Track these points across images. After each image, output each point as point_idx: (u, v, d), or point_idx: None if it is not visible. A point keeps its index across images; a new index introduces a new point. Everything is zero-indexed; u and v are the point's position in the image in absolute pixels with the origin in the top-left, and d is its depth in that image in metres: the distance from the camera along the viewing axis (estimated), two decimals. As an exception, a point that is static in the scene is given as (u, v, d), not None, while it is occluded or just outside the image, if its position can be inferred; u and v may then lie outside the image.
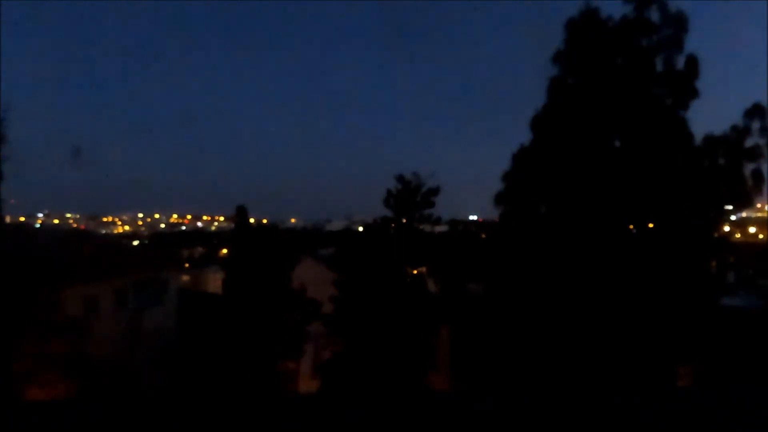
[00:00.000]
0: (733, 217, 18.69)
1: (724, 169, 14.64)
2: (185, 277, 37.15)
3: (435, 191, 21.07)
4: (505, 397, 4.40)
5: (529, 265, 14.57)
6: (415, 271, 22.25)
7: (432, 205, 21.07)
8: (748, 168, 14.50)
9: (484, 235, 29.72)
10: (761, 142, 14.42)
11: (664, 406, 4.04)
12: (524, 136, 15.50)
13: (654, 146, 14.31)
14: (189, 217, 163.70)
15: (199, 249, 76.56)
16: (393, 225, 21.00)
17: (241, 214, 23.89)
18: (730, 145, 14.54)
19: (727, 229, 16.89)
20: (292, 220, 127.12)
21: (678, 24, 14.54)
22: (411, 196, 20.92)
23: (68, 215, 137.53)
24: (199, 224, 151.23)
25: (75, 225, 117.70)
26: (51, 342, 16.23)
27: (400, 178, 20.95)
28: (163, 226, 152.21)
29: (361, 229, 28.17)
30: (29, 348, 15.93)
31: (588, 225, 14.34)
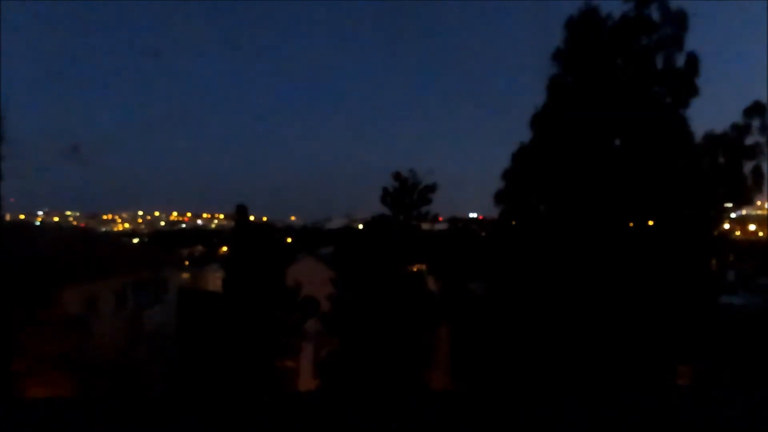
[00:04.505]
0: (732, 215, 18.69)
1: (724, 167, 14.63)
2: (185, 276, 37.18)
3: (432, 188, 21.05)
4: (505, 396, 4.40)
5: (529, 263, 14.57)
6: (415, 269, 22.24)
7: (429, 202, 21.05)
8: (748, 166, 14.50)
9: (484, 233, 29.70)
10: (761, 140, 14.42)
11: (664, 405, 4.05)
12: (524, 135, 15.51)
13: (654, 144, 14.30)
14: (189, 215, 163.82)
15: (199, 247, 76.62)
16: (391, 223, 20.98)
17: (241, 212, 23.84)
18: (730, 143, 14.53)
19: (726, 226, 16.89)
20: (292, 218, 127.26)
21: (678, 22, 14.51)
22: (408, 194, 20.89)
23: (68, 213, 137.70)
24: (199, 222, 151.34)
25: (75, 223, 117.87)
26: (51, 340, 16.23)
27: (397, 176, 20.94)
28: (163, 224, 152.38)
29: (360, 227, 28.17)
30: (29, 346, 15.93)
31: (588, 223, 14.34)
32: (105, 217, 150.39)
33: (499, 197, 15.74)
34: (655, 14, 14.63)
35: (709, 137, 14.72)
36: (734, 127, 14.55)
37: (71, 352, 16.44)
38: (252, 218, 26.04)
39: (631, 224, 15.07)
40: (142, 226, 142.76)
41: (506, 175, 15.63)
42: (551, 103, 15.22)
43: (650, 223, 15.01)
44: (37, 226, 48.47)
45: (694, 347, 14.47)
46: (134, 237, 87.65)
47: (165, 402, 4.34)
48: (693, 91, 14.57)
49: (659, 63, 14.73)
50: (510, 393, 4.78)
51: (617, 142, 15.09)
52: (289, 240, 54.95)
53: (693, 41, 14.63)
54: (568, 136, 14.77)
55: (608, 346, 13.39)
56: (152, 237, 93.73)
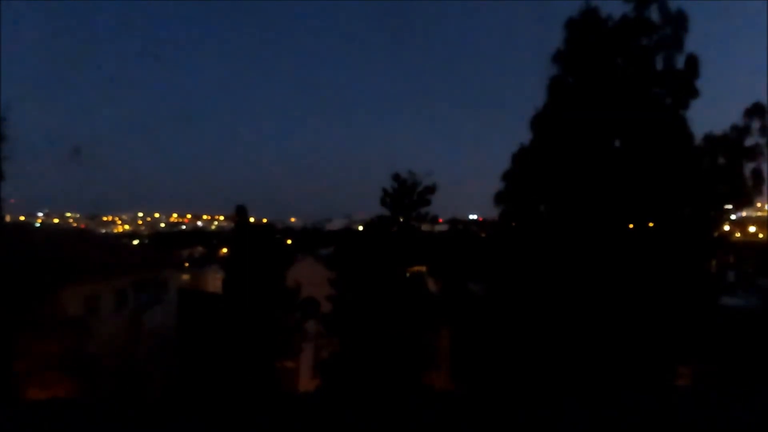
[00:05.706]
0: (732, 217, 18.68)
1: (724, 168, 14.63)
2: (185, 277, 37.18)
3: (431, 189, 21.10)
4: (505, 396, 4.40)
5: (529, 264, 14.57)
6: (415, 269, 22.26)
7: (428, 203, 21.10)
8: (748, 167, 14.51)
9: (484, 235, 29.68)
10: (761, 141, 14.43)
11: (664, 405, 4.05)
12: (524, 136, 15.51)
13: (654, 145, 14.30)
14: (189, 216, 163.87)
15: (199, 248, 76.60)
16: (390, 224, 21.01)
17: (240, 213, 23.87)
18: (730, 144, 14.53)
19: (726, 228, 16.88)
20: (292, 220, 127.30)
21: (678, 23, 14.52)
22: (407, 195, 20.94)
23: (68, 214, 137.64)
24: (199, 223, 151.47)
25: (75, 224, 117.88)
26: (51, 341, 16.23)
27: (396, 177, 21.00)
28: (163, 225, 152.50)
29: (360, 228, 28.19)
30: (30, 347, 15.93)
31: (588, 224, 14.34)
32: (105, 218, 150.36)
33: (499, 198, 15.73)
34: (654, 15, 14.64)
35: (709, 138, 14.72)
36: (734, 128, 14.56)
37: (71, 353, 16.44)
38: (252, 219, 26.07)
39: (631, 225, 15.06)
40: (142, 228, 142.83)
41: (506, 176, 15.62)
42: (551, 104, 15.21)
43: (650, 224, 15.01)
44: (37, 227, 48.46)
45: (694, 348, 14.47)
46: (134, 238, 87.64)
47: (165, 403, 4.35)
48: (693, 93, 14.56)
49: (659, 64, 14.73)
50: (510, 393, 4.78)
51: (617, 143, 15.09)
52: (289, 241, 54.95)
53: (693, 42, 14.64)
54: (568, 137, 14.77)
55: (608, 347, 13.39)
56: (152, 238, 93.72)
